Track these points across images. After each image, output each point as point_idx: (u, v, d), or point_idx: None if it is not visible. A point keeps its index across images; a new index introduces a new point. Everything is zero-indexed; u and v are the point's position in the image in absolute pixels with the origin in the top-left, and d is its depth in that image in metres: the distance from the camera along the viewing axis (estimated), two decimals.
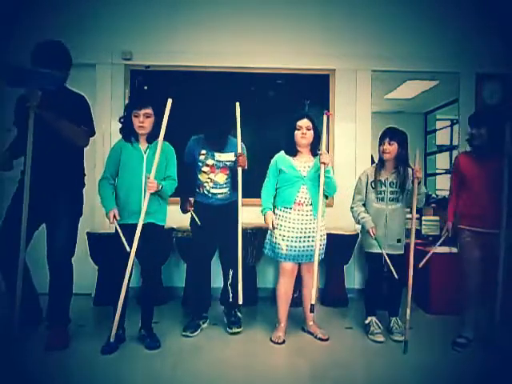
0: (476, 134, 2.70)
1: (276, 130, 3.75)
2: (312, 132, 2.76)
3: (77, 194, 2.69)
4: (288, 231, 2.74)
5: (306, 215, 2.75)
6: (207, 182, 2.89)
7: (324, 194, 2.74)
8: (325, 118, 2.71)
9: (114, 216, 2.50)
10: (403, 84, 4.95)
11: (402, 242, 2.85)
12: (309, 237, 2.75)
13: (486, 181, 2.66)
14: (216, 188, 2.89)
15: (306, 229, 2.75)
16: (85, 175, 2.77)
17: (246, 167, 2.80)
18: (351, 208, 2.91)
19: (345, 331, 3.02)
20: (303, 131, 2.73)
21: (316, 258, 2.59)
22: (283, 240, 2.73)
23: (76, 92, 2.69)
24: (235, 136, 2.80)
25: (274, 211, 2.80)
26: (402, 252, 2.85)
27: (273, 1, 3.91)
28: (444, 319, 3.12)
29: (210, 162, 2.88)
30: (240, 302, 2.68)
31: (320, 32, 3.93)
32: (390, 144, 2.78)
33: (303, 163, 2.78)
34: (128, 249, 2.45)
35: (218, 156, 2.87)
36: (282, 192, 2.79)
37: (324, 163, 2.63)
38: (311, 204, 2.75)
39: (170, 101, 2.42)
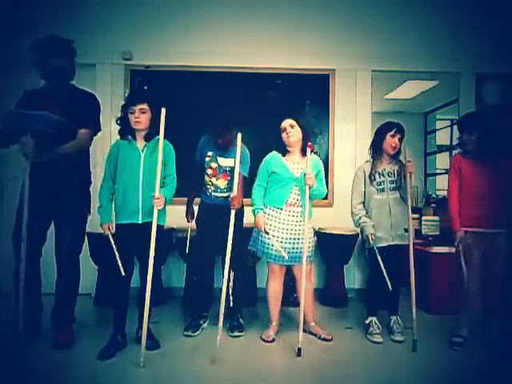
0: (466, 140, 2.71)
1: (276, 130, 3.74)
2: (298, 128, 2.77)
3: (83, 192, 2.70)
4: (277, 231, 2.74)
5: (296, 216, 2.75)
6: (209, 185, 2.92)
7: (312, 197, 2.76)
8: (308, 150, 2.68)
9: (109, 228, 2.54)
10: (403, 84, 4.95)
11: (409, 231, 2.77)
12: (298, 239, 2.75)
13: (484, 181, 2.66)
14: (217, 192, 2.91)
15: (295, 230, 2.75)
16: (90, 173, 2.78)
17: (239, 206, 2.72)
18: (352, 212, 2.88)
19: (345, 331, 3.01)
20: (287, 131, 2.77)
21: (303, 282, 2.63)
22: (271, 239, 2.72)
23: (85, 90, 2.69)
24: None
25: (264, 210, 2.80)
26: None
27: (273, 1, 3.91)
28: (444, 319, 3.12)
29: (213, 165, 2.90)
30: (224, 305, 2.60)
31: (320, 32, 3.93)
32: (399, 140, 2.79)
33: (295, 164, 2.79)
34: (122, 271, 2.49)
35: (221, 161, 2.89)
36: (273, 192, 2.78)
37: (309, 185, 2.66)
38: (301, 205, 2.75)
39: (163, 110, 2.39)
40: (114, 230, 2.56)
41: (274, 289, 2.84)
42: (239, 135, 2.62)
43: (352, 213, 2.89)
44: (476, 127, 2.69)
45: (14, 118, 2.36)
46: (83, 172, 2.72)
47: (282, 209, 2.75)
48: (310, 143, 2.72)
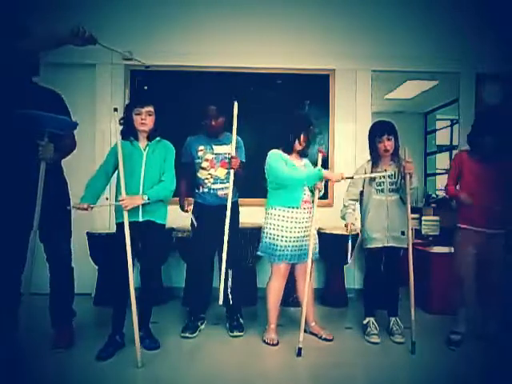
0: (488, 141, 2.63)
1: (276, 129, 3.74)
2: None
3: (61, 191, 2.64)
4: (291, 231, 2.70)
5: (308, 212, 2.76)
6: (207, 179, 2.87)
7: None
8: (320, 155, 2.77)
9: (84, 208, 2.43)
10: (403, 84, 4.95)
11: (406, 234, 2.75)
12: (308, 236, 2.74)
13: (486, 181, 2.66)
14: (217, 183, 2.86)
15: (305, 228, 2.74)
16: (63, 169, 2.70)
17: (240, 168, 2.77)
18: (344, 205, 2.88)
19: (345, 331, 3.02)
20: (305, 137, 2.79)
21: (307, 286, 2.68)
22: (287, 241, 2.70)
23: (49, 89, 2.59)
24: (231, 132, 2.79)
25: (270, 212, 2.76)
26: (407, 246, 2.73)
27: (272, 1, 3.91)
28: (444, 319, 3.12)
29: (208, 156, 2.86)
30: (220, 302, 2.68)
31: (320, 32, 3.93)
32: (389, 140, 2.76)
33: (299, 162, 2.79)
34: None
35: (217, 149, 2.86)
36: (286, 191, 2.72)
37: (318, 189, 2.71)
38: (311, 201, 2.77)
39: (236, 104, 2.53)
40: (93, 206, 2.48)
41: (278, 290, 2.80)
42: (235, 104, 2.72)
43: (344, 206, 2.89)
44: (498, 129, 2.65)
45: (32, 119, 2.31)
46: (59, 171, 2.65)
47: (298, 207, 2.71)
48: (321, 149, 2.83)
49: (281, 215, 2.72)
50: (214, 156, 2.86)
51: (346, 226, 2.85)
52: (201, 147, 2.88)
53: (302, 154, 2.84)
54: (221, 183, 2.87)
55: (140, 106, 2.53)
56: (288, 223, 2.71)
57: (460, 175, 2.76)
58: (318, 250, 2.85)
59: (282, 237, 2.71)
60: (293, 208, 2.72)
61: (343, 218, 2.89)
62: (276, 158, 2.74)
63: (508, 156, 2.68)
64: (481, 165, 2.69)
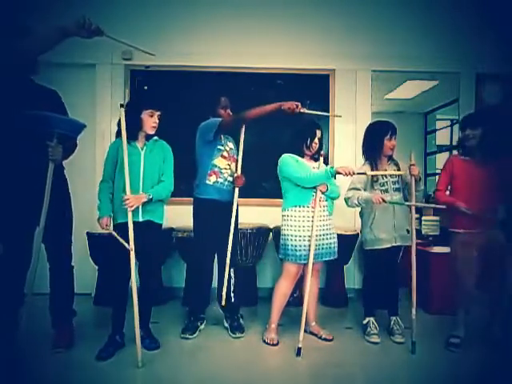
0: (470, 135, 2.68)
1: (276, 130, 3.75)
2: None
3: (63, 190, 2.62)
4: (304, 230, 2.67)
5: (324, 211, 2.75)
6: (226, 169, 2.82)
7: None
8: (321, 158, 2.81)
9: (106, 224, 2.52)
10: (403, 84, 4.94)
11: (411, 234, 2.74)
12: (327, 234, 2.75)
13: (480, 182, 2.64)
14: (232, 176, 2.82)
15: (323, 225, 2.74)
16: (64, 168, 2.67)
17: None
18: (345, 199, 2.82)
19: (345, 331, 3.02)
20: (315, 142, 2.78)
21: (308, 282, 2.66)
22: (301, 240, 2.67)
23: (47, 87, 2.58)
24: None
25: (285, 213, 2.75)
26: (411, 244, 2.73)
27: (272, 1, 3.91)
28: (444, 319, 3.12)
29: (226, 147, 2.84)
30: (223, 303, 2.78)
31: (320, 32, 3.93)
32: (395, 139, 2.79)
33: (311, 163, 2.79)
34: (128, 246, 2.42)
35: (229, 144, 2.87)
36: (297, 191, 2.72)
37: (321, 191, 2.70)
38: (326, 200, 2.76)
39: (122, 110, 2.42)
40: (111, 227, 2.54)
41: (286, 292, 2.78)
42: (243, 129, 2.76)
43: (347, 199, 2.81)
44: (480, 123, 2.67)
45: (41, 120, 2.31)
46: (60, 171, 2.62)
47: (308, 206, 2.69)
48: (322, 152, 2.82)
49: (294, 215, 2.71)
50: (229, 148, 2.86)
51: (378, 201, 2.66)
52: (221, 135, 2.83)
53: (315, 157, 2.83)
54: (231, 177, 2.85)
55: (154, 109, 2.55)
56: (301, 222, 2.69)
57: (452, 179, 2.75)
58: (336, 249, 2.83)
59: (297, 236, 2.68)
60: (303, 207, 2.70)
61: (359, 204, 2.76)
62: (288, 161, 2.74)
63: (501, 155, 2.66)
64: (473, 166, 2.67)
